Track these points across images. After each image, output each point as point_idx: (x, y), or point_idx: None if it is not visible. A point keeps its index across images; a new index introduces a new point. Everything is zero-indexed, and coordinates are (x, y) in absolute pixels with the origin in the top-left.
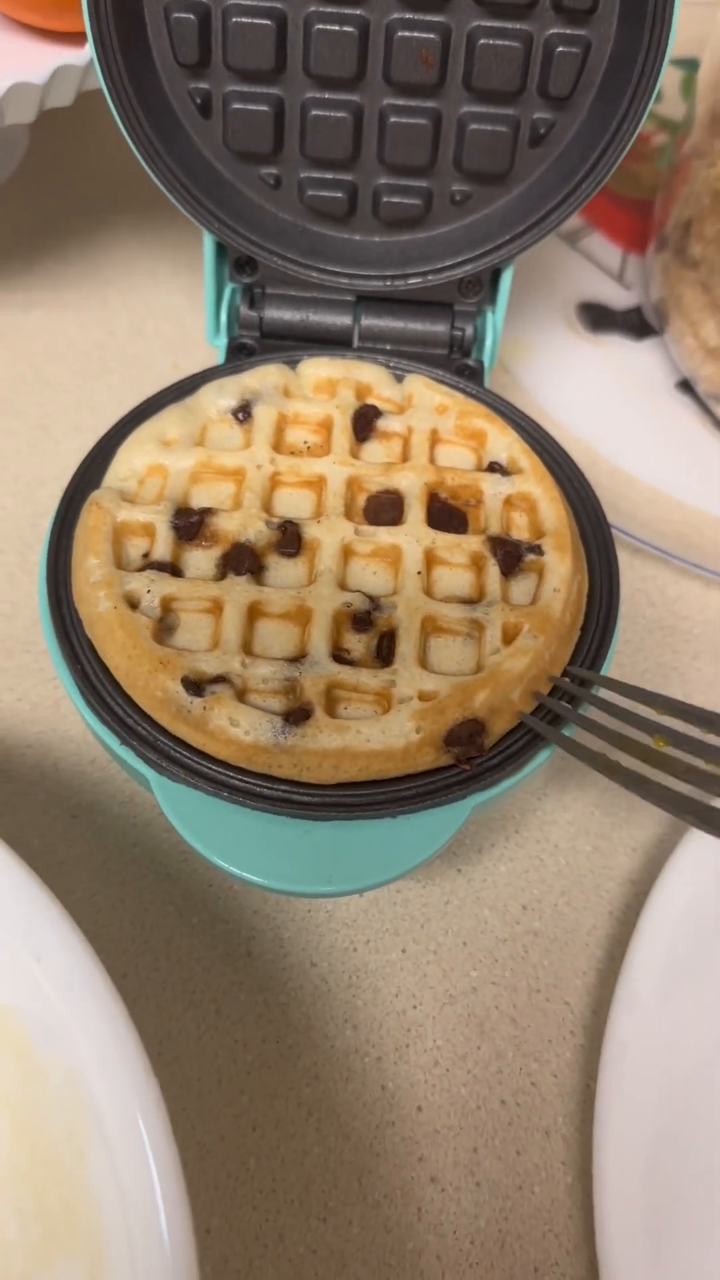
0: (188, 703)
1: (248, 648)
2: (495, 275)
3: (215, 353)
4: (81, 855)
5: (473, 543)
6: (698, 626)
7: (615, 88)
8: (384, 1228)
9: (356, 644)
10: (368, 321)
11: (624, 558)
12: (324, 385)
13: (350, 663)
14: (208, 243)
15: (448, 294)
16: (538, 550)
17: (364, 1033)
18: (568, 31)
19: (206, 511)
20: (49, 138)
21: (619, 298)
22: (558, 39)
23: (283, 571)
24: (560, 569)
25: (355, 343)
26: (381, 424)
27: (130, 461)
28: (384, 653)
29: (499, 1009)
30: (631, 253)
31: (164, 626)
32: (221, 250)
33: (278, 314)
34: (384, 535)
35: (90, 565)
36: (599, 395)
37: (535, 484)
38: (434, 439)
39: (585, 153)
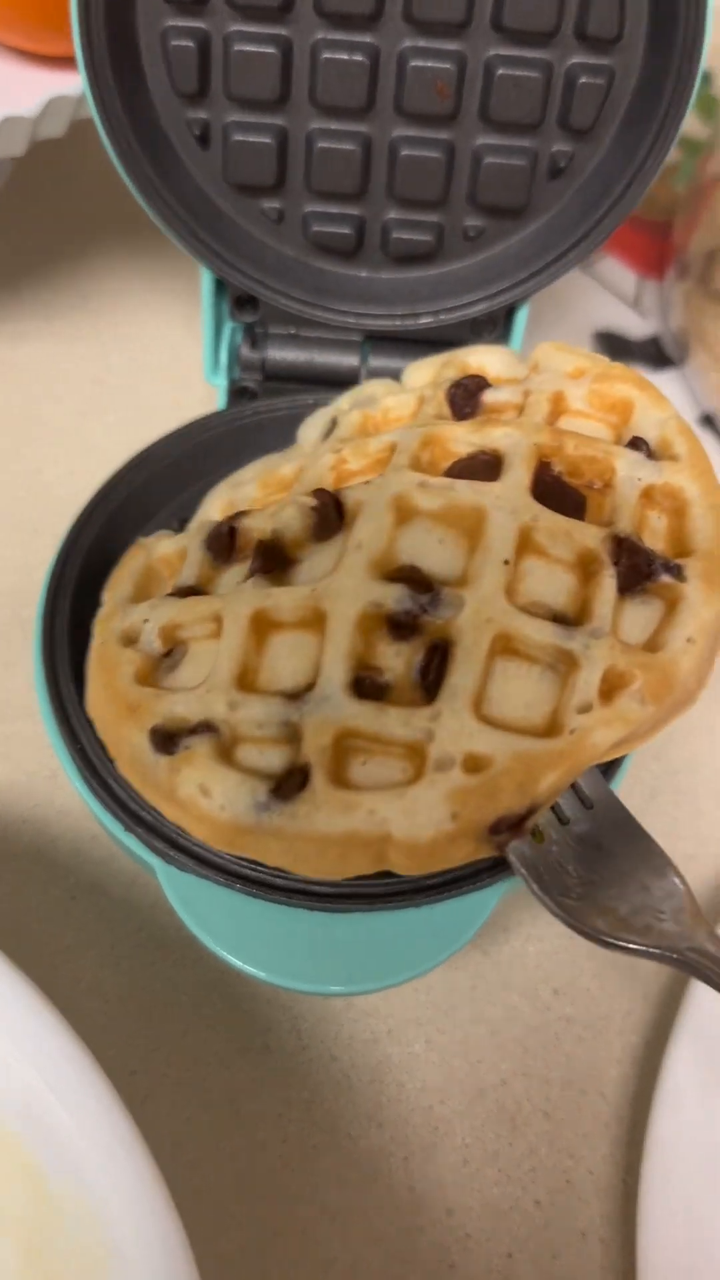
0: (152, 761)
1: (248, 678)
2: (509, 313)
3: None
4: (86, 941)
5: (588, 535)
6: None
7: (640, 119)
8: None
9: (394, 658)
10: (376, 362)
11: None
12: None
13: (379, 688)
14: (206, 279)
15: (460, 334)
16: (676, 572)
17: (389, 1131)
18: (591, 61)
19: (237, 517)
20: (35, 160)
21: (635, 326)
22: (580, 69)
23: (317, 562)
24: (703, 611)
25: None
26: (490, 396)
27: (208, 514)
28: (430, 677)
29: (531, 1102)
30: (648, 278)
31: (168, 663)
32: (221, 287)
33: (281, 355)
34: (464, 490)
35: (103, 601)
36: None
37: (692, 478)
38: (557, 405)
39: (607, 186)
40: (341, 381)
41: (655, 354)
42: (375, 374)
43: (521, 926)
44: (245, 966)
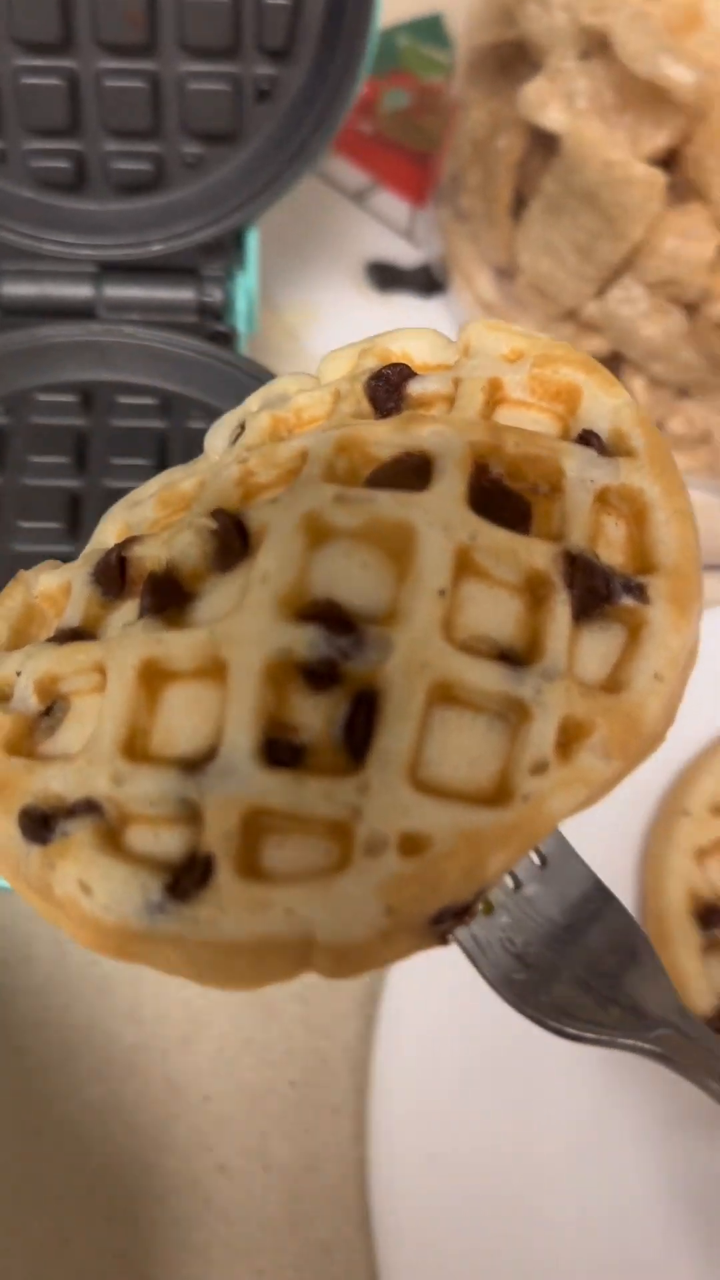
0: (23, 852)
1: (138, 743)
2: (239, 237)
3: None
4: None
5: (536, 552)
6: None
7: (331, 40)
8: (172, 1221)
9: (311, 713)
10: (111, 292)
11: None
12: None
13: (295, 751)
14: None
15: (192, 259)
16: (639, 593)
17: (149, 1027)
18: None
19: (128, 543)
20: None
21: (408, 256)
22: None
23: (219, 597)
24: (672, 640)
25: (101, 314)
26: (416, 387)
27: (102, 539)
28: (356, 735)
29: (286, 989)
30: (419, 208)
31: (47, 724)
32: None
33: (15, 290)
34: (387, 504)
35: None
36: None
37: (652, 477)
38: (493, 395)
39: (311, 107)
40: (78, 312)
41: (426, 281)
42: (113, 304)
43: None
44: None
